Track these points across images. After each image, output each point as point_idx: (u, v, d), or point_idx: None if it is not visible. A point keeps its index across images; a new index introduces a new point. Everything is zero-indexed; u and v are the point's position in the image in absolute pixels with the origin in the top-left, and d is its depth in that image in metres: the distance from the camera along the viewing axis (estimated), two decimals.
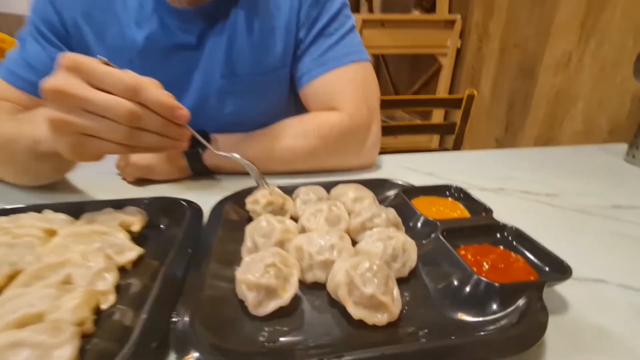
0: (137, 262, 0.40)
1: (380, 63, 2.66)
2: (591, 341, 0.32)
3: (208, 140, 0.66)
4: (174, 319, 0.29)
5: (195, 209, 0.48)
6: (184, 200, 0.50)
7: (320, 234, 0.39)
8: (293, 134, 0.65)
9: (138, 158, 0.62)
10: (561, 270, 0.35)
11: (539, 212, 0.56)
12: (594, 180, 0.70)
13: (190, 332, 0.28)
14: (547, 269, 0.37)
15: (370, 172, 0.71)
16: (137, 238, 0.44)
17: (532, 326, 0.29)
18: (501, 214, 0.46)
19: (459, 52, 1.91)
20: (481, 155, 0.87)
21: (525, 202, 0.60)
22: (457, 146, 1.23)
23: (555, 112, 1.30)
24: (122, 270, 0.39)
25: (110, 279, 0.35)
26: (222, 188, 0.62)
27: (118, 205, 0.47)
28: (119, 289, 0.36)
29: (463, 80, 1.91)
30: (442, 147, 2.08)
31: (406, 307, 0.34)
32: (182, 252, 0.39)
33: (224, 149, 0.54)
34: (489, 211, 0.47)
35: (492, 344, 0.28)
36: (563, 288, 0.37)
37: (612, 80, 1.07)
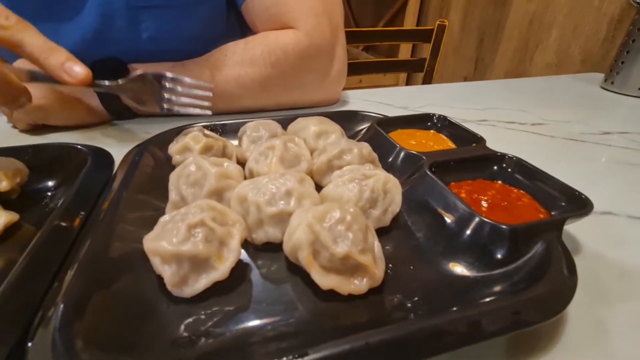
0: (8, 234, 0.28)
1: None
2: (615, 285, 0.26)
3: (124, 70, 0.51)
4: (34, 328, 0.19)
5: (101, 158, 0.35)
6: (86, 146, 0.36)
7: (272, 177, 0.28)
8: (237, 62, 0.51)
9: None
10: (578, 204, 0.28)
11: (529, 142, 0.50)
12: (576, 108, 0.64)
13: (59, 344, 0.17)
14: (560, 203, 0.30)
15: (335, 109, 0.59)
16: (12, 201, 0.31)
17: (559, 281, 0.22)
18: (489, 147, 0.38)
19: None
20: (456, 87, 0.79)
21: (512, 132, 0.53)
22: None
23: (526, 44, 1.23)
24: None
25: None
26: (150, 135, 0.48)
27: None
28: None
29: (431, 14, 1.77)
30: None
31: (390, 266, 0.26)
32: (71, 215, 0.27)
33: None
34: (480, 140, 0.39)
35: (507, 313, 0.20)
36: (570, 226, 0.31)
37: (590, 1, 1.00)
